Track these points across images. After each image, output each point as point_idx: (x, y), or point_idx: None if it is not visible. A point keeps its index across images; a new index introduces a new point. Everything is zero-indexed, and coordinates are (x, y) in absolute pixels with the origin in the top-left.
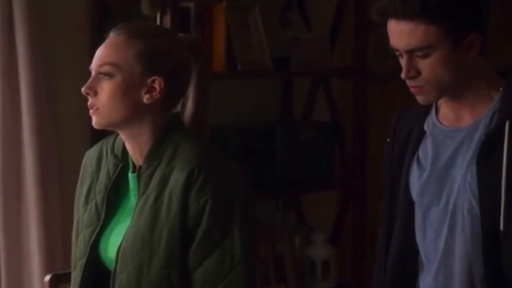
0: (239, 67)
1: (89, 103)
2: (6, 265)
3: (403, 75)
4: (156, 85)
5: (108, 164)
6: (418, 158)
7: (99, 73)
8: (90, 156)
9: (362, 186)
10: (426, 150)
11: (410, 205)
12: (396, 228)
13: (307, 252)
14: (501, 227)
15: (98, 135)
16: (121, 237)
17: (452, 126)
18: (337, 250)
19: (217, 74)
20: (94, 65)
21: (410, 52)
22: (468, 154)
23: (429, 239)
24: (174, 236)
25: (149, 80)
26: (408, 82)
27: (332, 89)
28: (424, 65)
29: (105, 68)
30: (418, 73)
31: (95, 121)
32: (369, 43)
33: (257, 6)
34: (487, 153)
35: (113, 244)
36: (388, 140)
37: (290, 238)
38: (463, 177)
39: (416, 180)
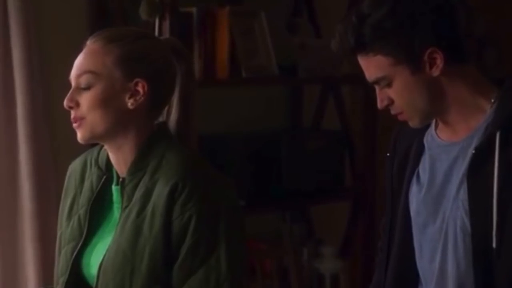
0: (243, 73)
1: (72, 116)
2: (1, 280)
3: (378, 106)
4: (140, 88)
5: (92, 176)
6: (418, 174)
7: (78, 83)
8: (74, 167)
9: (372, 197)
10: (424, 166)
11: (409, 222)
12: (394, 246)
13: (316, 265)
14: (494, 245)
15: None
16: (104, 253)
17: (449, 140)
18: (346, 263)
19: (220, 80)
20: (72, 75)
21: (376, 83)
22: (461, 169)
23: (425, 259)
24: (157, 253)
25: (132, 84)
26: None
27: (342, 97)
28: (392, 93)
29: (84, 78)
30: (392, 101)
31: (80, 136)
32: None
33: (263, 11)
34: (478, 167)
35: (95, 260)
36: (388, 154)
37: (296, 251)
38: (456, 193)
39: (415, 197)
